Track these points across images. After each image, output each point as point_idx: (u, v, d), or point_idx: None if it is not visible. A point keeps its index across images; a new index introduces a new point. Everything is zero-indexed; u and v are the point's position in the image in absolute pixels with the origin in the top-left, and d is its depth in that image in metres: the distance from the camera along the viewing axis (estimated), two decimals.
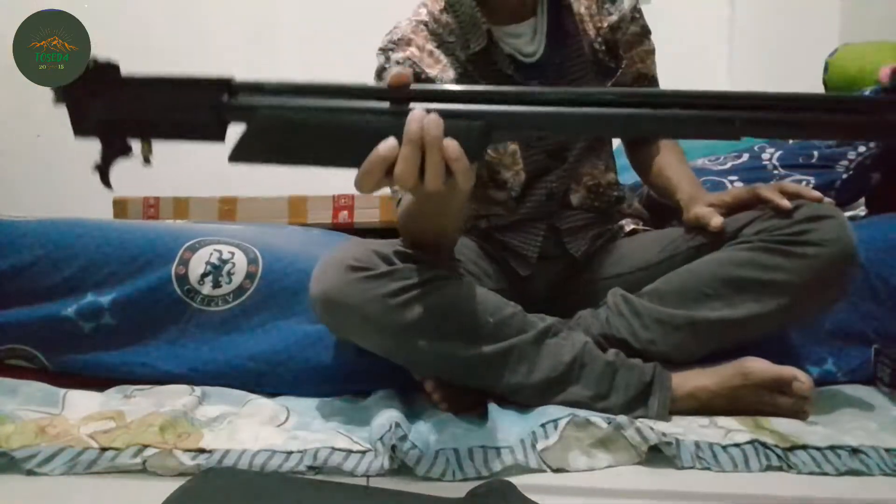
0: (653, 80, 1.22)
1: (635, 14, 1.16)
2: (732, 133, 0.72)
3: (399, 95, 0.71)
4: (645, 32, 1.18)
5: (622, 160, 1.31)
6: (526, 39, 1.12)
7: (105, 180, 0.77)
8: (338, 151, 0.72)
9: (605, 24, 1.15)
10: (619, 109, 0.72)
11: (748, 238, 1.00)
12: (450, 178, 0.71)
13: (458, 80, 1.09)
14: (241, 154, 0.74)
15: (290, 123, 0.72)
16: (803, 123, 0.72)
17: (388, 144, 0.69)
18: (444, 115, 0.70)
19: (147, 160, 0.77)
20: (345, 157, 0.72)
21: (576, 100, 0.73)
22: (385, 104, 0.72)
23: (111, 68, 0.75)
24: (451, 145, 0.69)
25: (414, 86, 0.72)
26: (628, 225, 1.22)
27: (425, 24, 1.12)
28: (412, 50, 1.10)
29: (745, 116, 0.70)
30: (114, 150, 0.76)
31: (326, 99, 0.73)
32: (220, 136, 0.75)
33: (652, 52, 1.20)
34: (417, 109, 0.70)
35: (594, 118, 0.72)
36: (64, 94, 0.75)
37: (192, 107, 0.74)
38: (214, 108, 0.73)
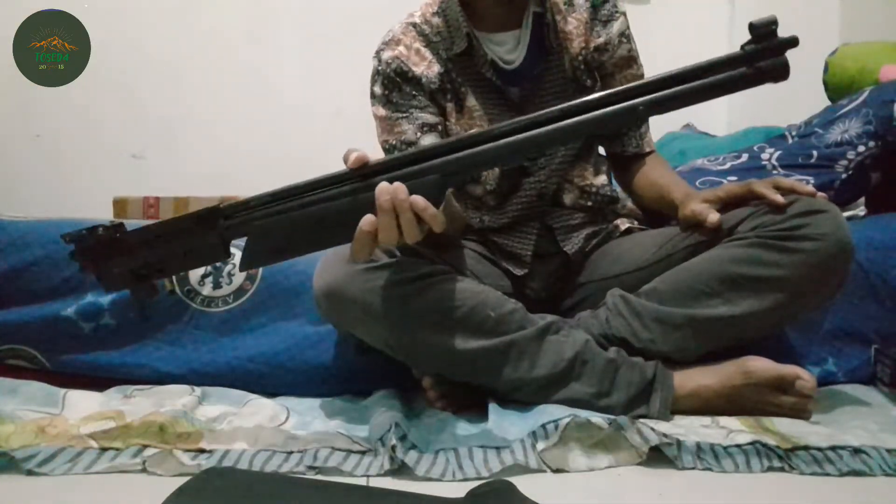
0: None
1: (623, 39, 1.19)
2: (639, 117, 0.82)
3: (362, 173, 0.82)
4: (633, 57, 1.20)
5: None
6: (508, 48, 1.15)
7: (145, 318, 0.91)
8: (328, 235, 0.83)
9: (592, 45, 1.17)
10: (550, 126, 0.81)
11: (744, 234, 1.00)
12: (424, 226, 0.81)
13: (441, 76, 1.14)
14: (249, 261, 0.84)
15: (283, 224, 0.82)
16: (693, 91, 0.80)
17: (368, 220, 0.79)
18: (402, 179, 0.80)
19: (173, 292, 0.89)
20: (335, 237, 0.83)
21: (509, 131, 0.81)
22: (353, 184, 0.82)
23: (117, 227, 0.84)
24: (417, 200, 0.79)
25: (371, 162, 0.82)
26: (623, 224, 1.22)
27: (415, 24, 1.17)
28: (400, 49, 1.15)
29: (645, 101, 0.80)
30: (142, 294, 0.87)
31: (305, 196, 0.82)
32: (226, 254, 0.86)
33: (640, 77, 1.21)
34: (382, 183, 0.80)
35: (530, 141, 0.81)
36: (87, 264, 0.85)
37: (198, 239, 0.85)
38: (217, 235, 0.84)
